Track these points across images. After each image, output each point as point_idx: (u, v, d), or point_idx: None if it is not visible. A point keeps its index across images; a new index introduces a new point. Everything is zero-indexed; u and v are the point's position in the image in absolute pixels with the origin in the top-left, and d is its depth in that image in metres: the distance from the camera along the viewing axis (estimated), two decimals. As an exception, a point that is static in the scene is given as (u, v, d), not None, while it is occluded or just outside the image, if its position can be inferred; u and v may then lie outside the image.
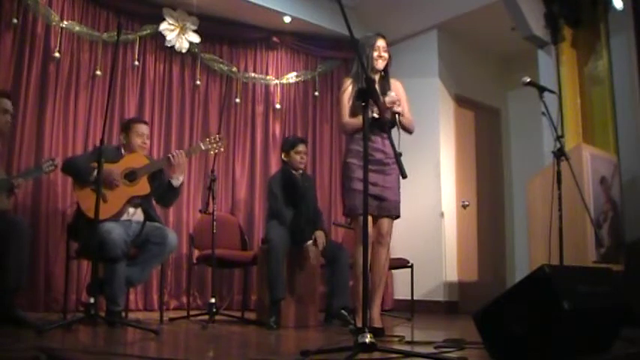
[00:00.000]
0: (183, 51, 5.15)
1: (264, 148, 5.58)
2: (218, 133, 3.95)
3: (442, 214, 5.46)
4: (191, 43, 5.18)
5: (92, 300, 2.91)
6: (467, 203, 5.67)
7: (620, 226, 4.09)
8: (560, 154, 3.24)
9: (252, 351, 2.52)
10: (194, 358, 2.25)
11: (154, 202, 3.77)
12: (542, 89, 3.35)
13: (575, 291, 1.92)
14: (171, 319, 3.80)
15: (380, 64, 3.24)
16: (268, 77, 5.66)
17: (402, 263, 4.73)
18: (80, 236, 3.50)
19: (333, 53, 5.90)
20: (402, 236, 4.77)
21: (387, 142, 3.16)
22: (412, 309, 4.81)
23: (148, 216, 3.63)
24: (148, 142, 3.79)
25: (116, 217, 3.44)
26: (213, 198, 3.76)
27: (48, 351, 1.90)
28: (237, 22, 5.50)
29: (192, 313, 4.14)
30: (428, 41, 5.78)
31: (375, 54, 3.22)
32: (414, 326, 4.00)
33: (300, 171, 4.13)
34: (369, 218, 3.06)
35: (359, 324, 3.06)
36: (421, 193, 5.45)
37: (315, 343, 2.72)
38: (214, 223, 3.77)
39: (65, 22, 4.58)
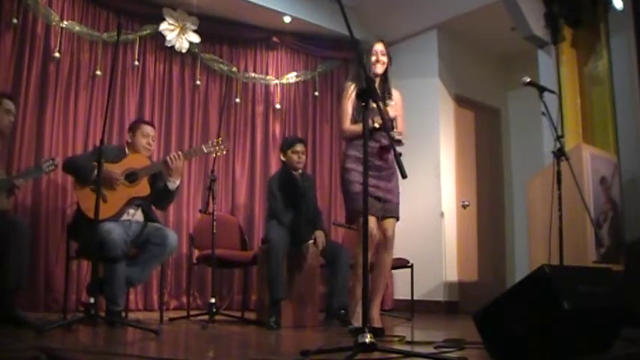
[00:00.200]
0: (183, 51, 5.15)
1: (264, 148, 5.58)
2: (219, 136, 3.93)
3: (442, 214, 5.46)
4: (191, 43, 5.18)
5: (92, 300, 2.90)
6: (467, 203, 5.67)
7: (620, 226, 4.09)
8: (560, 154, 3.24)
9: (252, 351, 2.52)
10: (194, 358, 2.25)
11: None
12: (542, 89, 3.35)
13: (575, 291, 1.92)
14: (171, 319, 3.80)
15: (379, 69, 3.23)
16: (268, 77, 5.66)
17: (402, 263, 4.72)
18: (80, 236, 3.50)
19: (333, 53, 5.90)
20: (402, 236, 4.72)
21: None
22: (412, 309, 4.81)
23: (148, 217, 3.63)
24: (153, 143, 3.79)
25: (116, 218, 3.44)
26: (214, 198, 3.76)
27: (48, 351, 1.90)
28: (237, 22, 5.50)
29: (192, 313, 4.14)
30: (428, 41, 5.78)
31: (373, 58, 3.21)
32: (414, 326, 4.00)
33: (300, 171, 4.13)
34: (373, 219, 3.07)
35: (354, 323, 3.06)
36: (421, 193, 5.45)
37: (315, 343, 2.72)
38: (214, 223, 3.77)
39: (65, 22, 4.58)
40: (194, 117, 5.26)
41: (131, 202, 3.52)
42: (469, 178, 5.89)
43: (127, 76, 4.94)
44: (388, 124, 3.05)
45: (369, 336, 1.93)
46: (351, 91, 3.22)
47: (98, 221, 3.02)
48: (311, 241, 3.90)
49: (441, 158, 5.58)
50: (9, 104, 3.32)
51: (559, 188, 3.21)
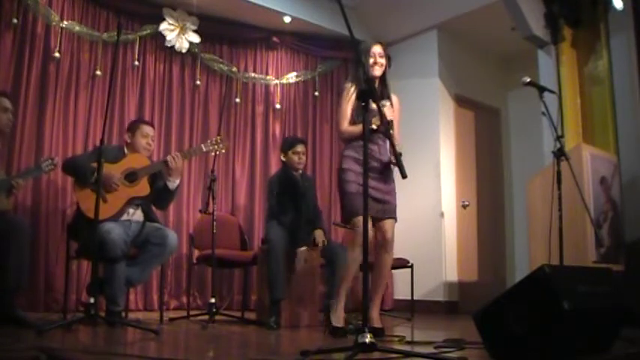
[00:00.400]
0: (183, 51, 5.15)
1: (264, 148, 5.58)
2: (219, 135, 3.93)
3: (442, 214, 5.46)
4: (191, 43, 5.18)
5: (92, 300, 2.90)
6: (467, 203, 5.67)
7: (620, 226, 4.09)
8: (560, 154, 3.24)
9: (252, 351, 2.52)
10: (194, 358, 2.26)
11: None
12: (542, 89, 3.35)
13: (575, 291, 1.92)
14: (171, 319, 3.80)
15: (376, 71, 3.20)
16: (268, 77, 5.66)
17: (402, 263, 4.72)
18: (80, 236, 3.50)
19: (333, 53, 5.90)
20: (402, 236, 4.72)
21: (383, 150, 3.16)
22: (412, 309, 4.81)
23: (148, 216, 3.63)
24: (152, 144, 3.79)
25: (116, 218, 3.43)
26: (213, 198, 3.76)
27: (48, 351, 1.91)
28: (237, 22, 5.50)
29: (192, 313, 4.14)
30: (428, 41, 5.77)
31: (371, 61, 3.20)
32: (414, 326, 4.00)
33: (300, 171, 4.13)
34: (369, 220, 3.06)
35: (334, 323, 3.05)
36: (421, 193, 5.45)
37: (315, 343, 2.71)
38: (214, 223, 3.77)
39: (65, 22, 4.58)
40: (194, 117, 5.26)
41: (131, 202, 3.52)
42: (469, 178, 5.89)
43: (127, 76, 4.93)
44: (387, 127, 3.06)
45: (369, 336, 1.94)
46: (351, 92, 3.21)
47: (98, 221, 3.02)
48: (304, 248, 3.88)
49: (441, 158, 5.58)
50: (6, 102, 3.29)
51: (559, 188, 3.21)
